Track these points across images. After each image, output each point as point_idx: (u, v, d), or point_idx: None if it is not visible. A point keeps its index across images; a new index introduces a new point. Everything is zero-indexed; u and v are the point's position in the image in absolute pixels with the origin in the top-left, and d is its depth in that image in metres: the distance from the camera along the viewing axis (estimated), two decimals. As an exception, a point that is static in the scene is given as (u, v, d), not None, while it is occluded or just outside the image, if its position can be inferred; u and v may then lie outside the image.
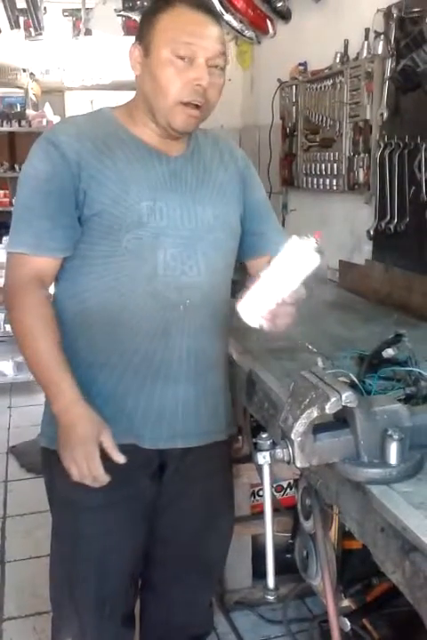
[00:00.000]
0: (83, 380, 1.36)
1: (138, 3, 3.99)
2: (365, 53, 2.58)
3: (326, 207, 3.06)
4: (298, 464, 1.08)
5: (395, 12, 2.36)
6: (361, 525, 1.10)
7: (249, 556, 2.28)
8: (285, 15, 3.48)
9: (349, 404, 1.04)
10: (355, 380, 1.26)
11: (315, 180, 3.05)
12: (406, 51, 2.23)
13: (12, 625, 2.31)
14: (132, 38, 1.41)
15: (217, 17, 1.39)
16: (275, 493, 2.25)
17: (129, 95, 1.48)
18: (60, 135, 1.36)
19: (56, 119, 5.45)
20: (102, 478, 1.31)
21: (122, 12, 4.18)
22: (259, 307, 1.20)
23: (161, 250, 1.37)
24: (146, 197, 1.37)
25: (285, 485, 2.31)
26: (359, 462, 1.07)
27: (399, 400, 1.21)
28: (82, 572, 1.51)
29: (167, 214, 1.38)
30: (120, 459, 1.32)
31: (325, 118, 2.91)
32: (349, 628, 1.65)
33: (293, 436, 1.06)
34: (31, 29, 4.72)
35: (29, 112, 5.93)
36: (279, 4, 3.46)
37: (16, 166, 5.70)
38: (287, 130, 3.32)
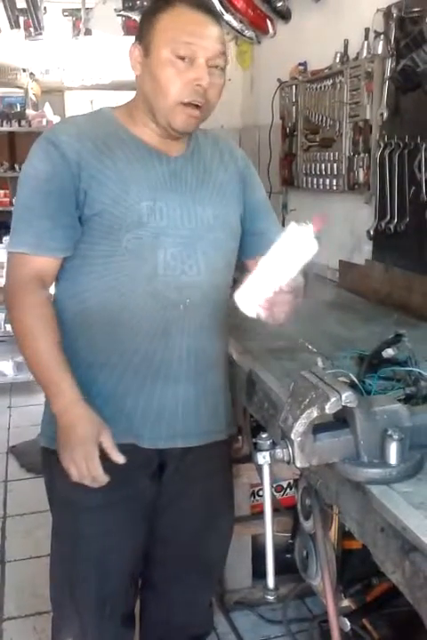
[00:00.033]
0: (83, 379, 1.36)
1: (138, 2, 3.98)
2: (365, 53, 2.58)
3: (326, 207, 3.05)
4: (298, 464, 1.08)
5: (395, 12, 2.35)
6: (361, 525, 1.10)
7: (249, 556, 2.28)
8: (285, 15, 3.47)
9: (349, 404, 1.04)
10: (355, 380, 1.26)
11: (315, 180, 3.04)
12: (406, 51, 2.23)
13: (11, 625, 2.31)
14: (132, 38, 1.41)
15: (217, 17, 1.39)
16: (275, 493, 2.25)
17: (129, 95, 1.48)
18: (60, 135, 1.36)
19: (56, 119, 5.45)
20: (102, 479, 1.31)
21: (122, 12, 4.17)
22: (256, 295, 1.16)
23: (161, 249, 1.37)
24: (146, 197, 1.37)
25: (285, 485, 2.31)
26: (359, 462, 1.07)
27: (399, 400, 1.21)
28: (82, 571, 1.51)
29: (167, 214, 1.38)
30: (119, 459, 1.32)
31: (325, 118, 2.90)
32: (349, 628, 1.65)
33: (293, 436, 1.06)
34: (31, 29, 4.72)
35: (29, 112, 5.93)
36: (279, 4, 3.46)
37: (16, 166, 5.69)
38: (287, 130, 3.31)
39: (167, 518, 1.57)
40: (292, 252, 1.14)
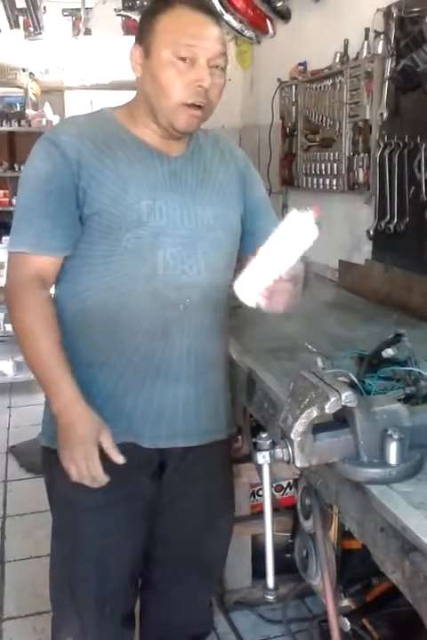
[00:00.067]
0: (83, 379, 1.36)
1: (138, 2, 3.99)
2: (364, 53, 2.58)
3: (326, 207, 3.05)
4: (298, 464, 1.08)
5: (395, 12, 2.35)
6: (361, 525, 1.10)
7: (249, 555, 2.28)
8: (284, 15, 3.47)
9: (348, 404, 1.04)
10: (355, 379, 1.26)
11: (315, 180, 3.04)
12: (405, 50, 2.23)
13: (12, 625, 2.31)
14: (132, 38, 1.41)
15: (217, 17, 1.39)
16: (275, 493, 2.25)
17: (129, 95, 1.48)
18: (61, 135, 1.37)
19: (56, 119, 5.45)
20: (101, 478, 1.31)
21: (122, 12, 4.17)
22: (256, 284, 1.15)
23: (161, 249, 1.37)
24: (145, 197, 1.37)
25: (284, 485, 2.31)
26: (359, 462, 1.07)
27: (399, 400, 1.21)
28: (82, 571, 1.51)
29: (167, 214, 1.38)
30: (119, 459, 1.32)
31: (324, 118, 2.90)
32: (348, 627, 1.65)
33: (292, 436, 1.06)
34: (31, 29, 4.72)
35: (29, 112, 5.92)
36: (279, 4, 3.46)
37: (16, 166, 5.68)
38: (287, 130, 3.31)
39: (167, 518, 1.57)
40: (292, 238, 1.13)
